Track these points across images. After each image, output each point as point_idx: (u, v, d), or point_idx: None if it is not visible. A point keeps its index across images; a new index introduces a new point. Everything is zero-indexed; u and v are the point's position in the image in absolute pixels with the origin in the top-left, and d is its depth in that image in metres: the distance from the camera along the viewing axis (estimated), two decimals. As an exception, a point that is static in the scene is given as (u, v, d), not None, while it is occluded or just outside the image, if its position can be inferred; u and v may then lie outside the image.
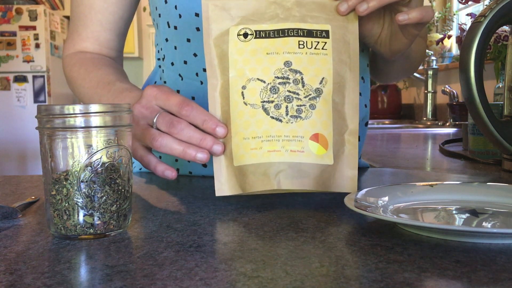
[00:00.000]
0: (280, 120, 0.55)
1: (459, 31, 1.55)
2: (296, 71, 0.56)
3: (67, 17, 4.50)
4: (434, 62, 2.52)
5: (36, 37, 4.11)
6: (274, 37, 0.56)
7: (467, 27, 1.43)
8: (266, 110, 0.55)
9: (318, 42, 0.56)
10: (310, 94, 0.56)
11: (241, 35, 0.56)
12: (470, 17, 1.45)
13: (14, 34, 4.09)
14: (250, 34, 0.56)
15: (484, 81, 0.74)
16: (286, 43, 0.56)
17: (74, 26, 0.85)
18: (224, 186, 0.56)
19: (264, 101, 0.56)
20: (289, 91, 0.55)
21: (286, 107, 0.55)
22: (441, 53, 2.76)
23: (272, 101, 0.55)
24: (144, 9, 5.16)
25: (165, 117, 0.57)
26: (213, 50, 0.57)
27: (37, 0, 4.55)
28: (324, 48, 0.56)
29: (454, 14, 2.89)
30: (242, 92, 0.56)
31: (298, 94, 0.55)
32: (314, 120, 0.56)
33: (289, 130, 0.55)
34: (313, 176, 0.55)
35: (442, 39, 2.10)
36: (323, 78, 0.56)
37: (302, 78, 0.56)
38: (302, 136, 0.55)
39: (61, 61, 0.89)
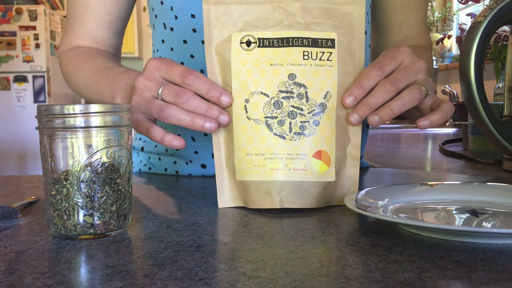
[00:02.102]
0: (284, 137, 0.55)
1: (459, 31, 1.56)
2: (300, 85, 0.55)
3: (67, 17, 4.49)
4: (434, 62, 2.52)
5: (36, 37, 4.11)
6: (278, 46, 0.55)
7: (467, 27, 1.43)
8: (269, 127, 0.55)
9: (324, 53, 0.55)
10: (314, 110, 0.55)
11: (243, 43, 0.55)
12: (470, 17, 1.46)
13: (14, 34, 4.09)
14: (253, 42, 0.55)
15: (484, 81, 0.74)
16: (290, 53, 0.55)
17: (70, 24, 0.84)
18: (226, 198, 0.57)
19: (267, 117, 0.55)
20: (293, 106, 0.55)
21: (290, 123, 0.55)
22: (441, 53, 2.76)
23: (276, 117, 0.55)
24: (144, 9, 5.16)
25: (171, 88, 0.56)
26: (214, 57, 0.56)
27: (37, 0, 4.54)
28: (329, 59, 0.55)
29: (454, 14, 2.89)
30: (245, 106, 0.55)
31: (302, 109, 0.55)
32: (318, 136, 0.55)
33: (292, 148, 0.54)
34: (315, 194, 0.55)
35: (442, 39, 2.10)
36: (327, 92, 0.55)
37: (306, 92, 0.55)
38: (305, 154, 0.55)
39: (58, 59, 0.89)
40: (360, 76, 0.56)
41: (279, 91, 0.55)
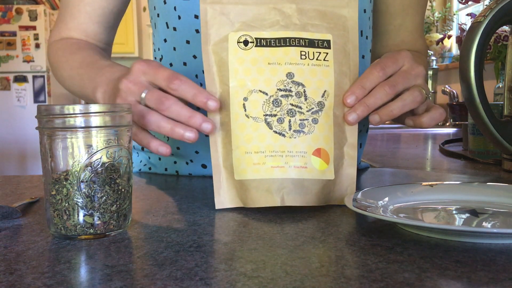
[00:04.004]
0: (284, 135, 0.55)
1: (459, 31, 1.56)
2: (298, 84, 0.55)
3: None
4: (434, 62, 2.52)
5: (36, 37, 4.11)
6: (275, 46, 0.55)
7: (467, 27, 1.43)
8: (269, 124, 0.55)
9: (320, 53, 0.56)
10: (312, 108, 0.55)
11: (241, 42, 0.55)
12: (470, 17, 1.46)
13: (14, 34, 4.10)
14: (250, 42, 0.55)
15: (484, 81, 0.74)
16: (287, 53, 0.55)
17: (61, 16, 0.84)
18: (224, 199, 0.56)
19: (266, 115, 0.55)
20: (292, 105, 0.55)
21: (289, 121, 0.55)
22: (441, 53, 2.76)
23: (275, 115, 0.55)
24: (144, 9, 5.16)
25: (154, 94, 0.55)
26: (211, 56, 0.56)
27: (37, 0, 4.54)
28: (325, 59, 0.56)
29: (454, 14, 2.89)
30: (244, 104, 0.55)
31: (300, 107, 0.55)
32: (317, 135, 0.55)
33: (293, 145, 0.54)
34: (315, 191, 0.55)
35: (442, 39, 2.10)
36: (325, 91, 0.55)
37: (304, 91, 0.55)
38: (305, 151, 0.55)
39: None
40: (362, 76, 0.57)
41: (277, 89, 0.55)
